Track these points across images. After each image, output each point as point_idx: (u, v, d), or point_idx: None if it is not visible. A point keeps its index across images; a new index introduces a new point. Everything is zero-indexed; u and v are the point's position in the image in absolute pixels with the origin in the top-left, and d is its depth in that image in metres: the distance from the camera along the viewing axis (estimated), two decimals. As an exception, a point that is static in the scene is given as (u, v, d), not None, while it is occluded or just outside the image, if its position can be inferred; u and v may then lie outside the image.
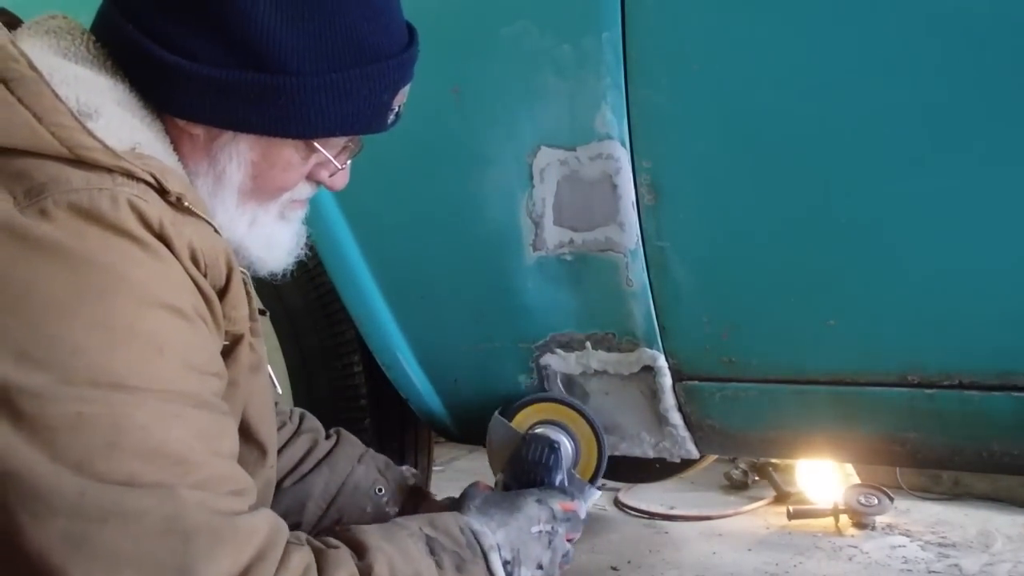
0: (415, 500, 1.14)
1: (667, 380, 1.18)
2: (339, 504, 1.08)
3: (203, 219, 0.76)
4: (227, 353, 0.79)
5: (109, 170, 0.68)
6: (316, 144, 0.82)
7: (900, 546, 1.64)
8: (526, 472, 1.11)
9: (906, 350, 1.04)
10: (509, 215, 1.15)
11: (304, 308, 1.44)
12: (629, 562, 1.59)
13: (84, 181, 0.66)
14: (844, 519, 1.77)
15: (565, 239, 1.14)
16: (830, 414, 1.14)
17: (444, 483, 2.23)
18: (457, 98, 1.14)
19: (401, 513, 1.11)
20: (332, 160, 0.85)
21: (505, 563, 0.89)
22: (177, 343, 0.68)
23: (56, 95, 0.67)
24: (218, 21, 0.74)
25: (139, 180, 0.69)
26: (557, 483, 1.09)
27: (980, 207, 0.94)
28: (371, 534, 0.79)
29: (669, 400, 1.20)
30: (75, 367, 0.63)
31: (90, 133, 0.67)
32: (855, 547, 1.64)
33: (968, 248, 0.96)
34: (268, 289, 1.46)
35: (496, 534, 0.90)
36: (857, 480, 1.87)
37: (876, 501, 1.75)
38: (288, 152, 0.81)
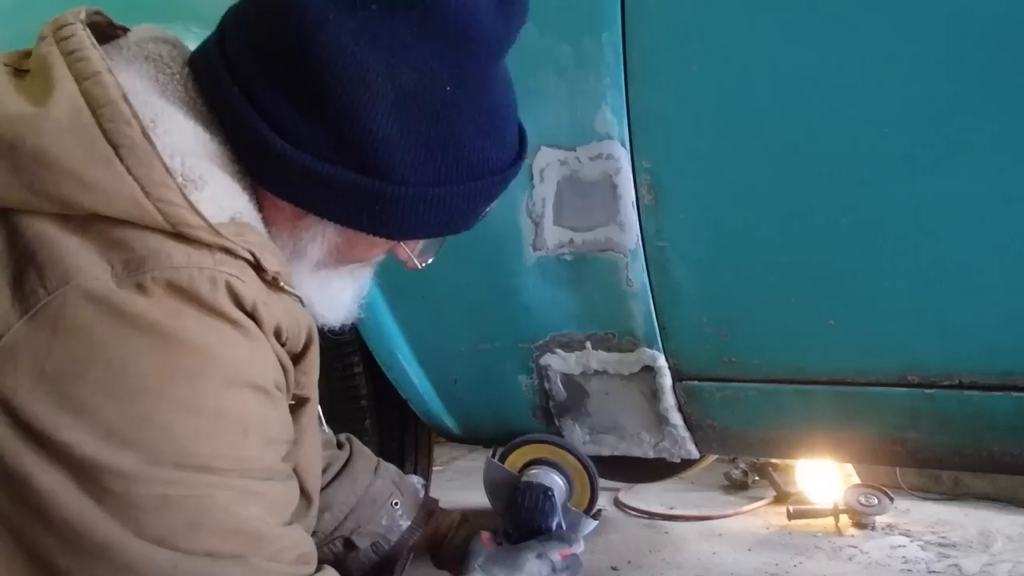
0: (425, 509, 1.17)
1: (667, 380, 1.18)
2: (356, 515, 1.10)
3: (293, 295, 0.76)
4: (291, 412, 0.79)
5: (210, 246, 0.67)
6: (402, 244, 0.83)
7: (900, 546, 1.64)
8: (524, 520, 1.16)
9: (906, 350, 1.04)
10: (509, 215, 1.15)
11: (304, 308, 1.44)
12: (629, 562, 1.59)
13: (185, 258, 0.66)
14: (844, 519, 1.77)
15: (565, 239, 1.14)
16: (830, 414, 1.14)
17: (444, 483, 2.23)
18: (457, 98, 1.14)
19: (413, 524, 1.15)
20: (413, 258, 0.86)
21: None
22: (260, 422, 0.69)
23: (165, 167, 0.65)
24: (333, 116, 0.71)
25: (238, 257, 0.69)
26: (554, 526, 1.14)
27: (980, 207, 0.94)
28: None
29: (669, 400, 1.20)
30: (162, 449, 0.63)
31: (195, 211, 0.66)
32: (855, 547, 1.64)
33: (968, 248, 0.96)
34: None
35: None
36: (857, 480, 1.87)
37: (876, 501, 1.74)
38: (373, 239, 0.80)
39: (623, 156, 1.06)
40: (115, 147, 0.64)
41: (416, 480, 1.21)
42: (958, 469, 1.72)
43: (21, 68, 0.72)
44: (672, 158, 1.05)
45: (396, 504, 1.13)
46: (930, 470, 2.00)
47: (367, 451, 1.18)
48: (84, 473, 0.62)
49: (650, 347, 1.16)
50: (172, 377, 0.64)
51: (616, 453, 1.29)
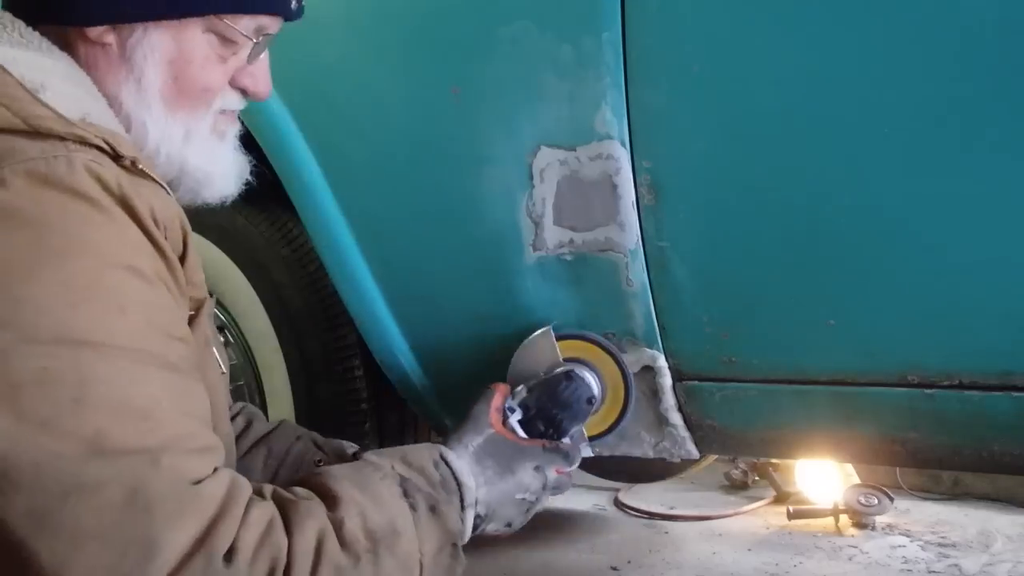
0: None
1: (667, 380, 1.18)
2: (280, 479, 1.06)
3: (157, 183, 0.77)
4: (190, 321, 0.79)
5: (62, 138, 0.69)
6: (224, 30, 0.82)
7: (900, 546, 1.64)
8: (553, 406, 1.05)
9: (906, 350, 1.04)
10: (509, 215, 1.15)
11: (306, 312, 1.44)
12: (629, 562, 1.59)
13: (39, 150, 0.68)
14: (844, 519, 1.77)
15: (565, 239, 1.14)
16: (830, 414, 1.14)
17: (444, 483, 2.23)
18: (457, 98, 1.14)
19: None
20: (245, 36, 0.85)
21: (476, 517, 0.88)
22: (139, 303, 0.69)
23: (4, 69, 0.69)
24: None
25: (92, 146, 0.70)
26: (571, 433, 1.05)
27: (980, 206, 0.94)
28: (341, 480, 0.77)
29: (669, 400, 1.20)
30: (38, 325, 0.63)
31: (42, 103, 0.69)
32: (855, 547, 1.64)
33: (968, 248, 0.96)
34: (270, 292, 1.47)
35: (479, 490, 0.88)
36: (857, 480, 1.87)
37: (876, 501, 1.75)
38: (201, 46, 0.82)
39: (623, 156, 1.06)
40: None
41: (347, 444, 1.15)
42: (958, 469, 1.72)
43: None
44: (672, 158, 1.05)
45: (320, 461, 1.08)
46: (930, 470, 2.00)
47: (294, 425, 1.15)
48: None
49: (650, 347, 1.16)
50: (41, 258, 0.65)
51: (616, 453, 1.29)
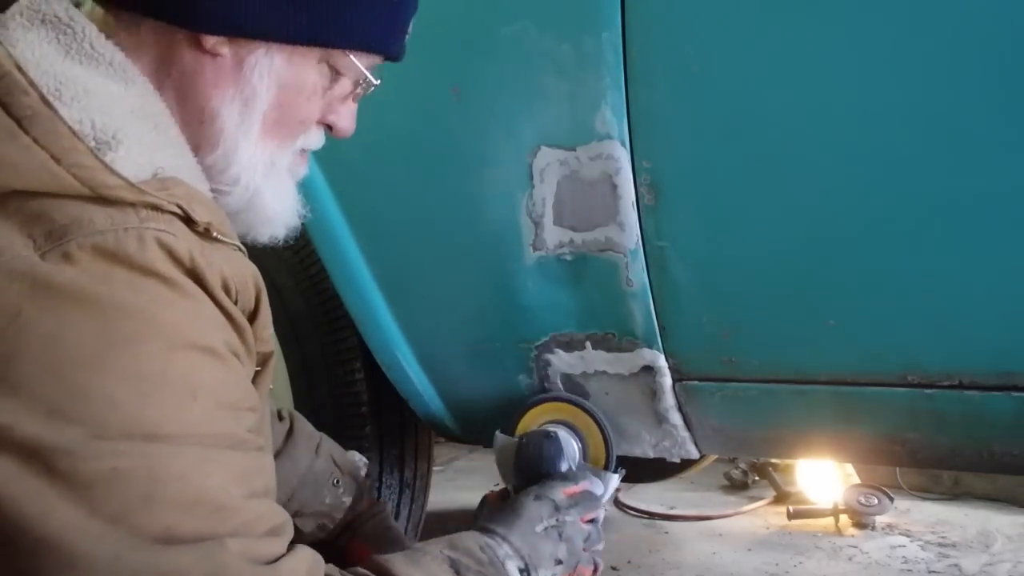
0: (361, 487, 1.16)
1: (667, 380, 1.18)
2: (299, 497, 1.09)
3: (231, 244, 0.74)
4: (255, 376, 0.77)
5: (133, 205, 0.65)
6: (339, 62, 0.80)
7: (900, 546, 1.64)
8: (529, 470, 1.09)
9: (906, 350, 1.04)
10: (509, 215, 1.15)
11: (306, 314, 1.44)
12: (629, 562, 1.59)
13: (108, 220, 0.63)
14: (844, 519, 1.77)
15: (565, 239, 1.14)
16: (830, 414, 1.14)
17: (444, 483, 2.23)
18: (457, 98, 1.14)
19: (354, 502, 1.13)
20: (368, 76, 0.83)
21: (521, 571, 0.88)
22: (210, 384, 0.66)
23: (73, 132, 0.63)
24: None
25: (165, 212, 0.67)
26: (563, 471, 1.07)
27: (980, 207, 0.94)
28: (398, 563, 0.78)
29: (669, 400, 1.20)
30: (108, 421, 0.60)
31: (112, 171, 0.64)
32: (855, 547, 1.64)
33: (968, 248, 0.96)
34: (271, 294, 1.46)
35: (502, 546, 0.89)
36: (857, 480, 1.87)
37: (876, 501, 1.75)
38: (312, 75, 0.79)
39: (623, 156, 1.06)
40: (17, 120, 0.62)
41: (358, 459, 1.19)
42: (958, 469, 1.72)
43: None
44: (672, 158, 1.05)
45: (338, 483, 1.11)
46: (930, 470, 2.00)
47: (308, 428, 1.15)
48: (29, 455, 0.59)
49: (650, 347, 1.16)
50: (109, 344, 0.61)
51: (616, 453, 1.29)
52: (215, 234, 0.71)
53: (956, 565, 1.54)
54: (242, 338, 0.73)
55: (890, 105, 0.94)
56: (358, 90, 0.84)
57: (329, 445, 1.15)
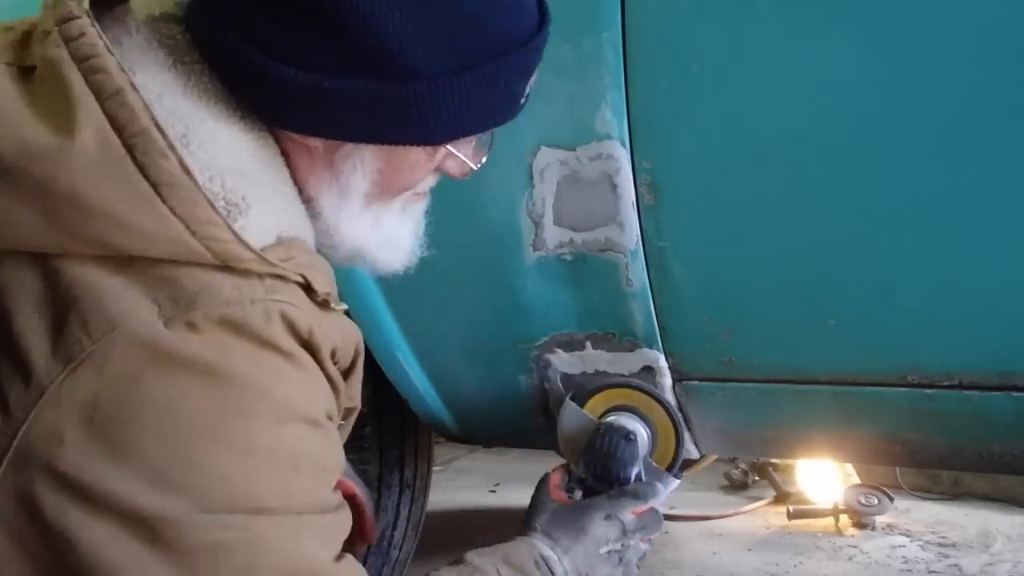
0: None
1: (667, 380, 1.18)
2: None
3: (341, 310, 0.74)
4: (341, 427, 0.77)
5: (260, 275, 0.64)
6: (447, 146, 0.76)
7: (900, 546, 1.64)
8: (600, 465, 1.04)
9: (906, 350, 1.04)
10: (509, 215, 1.15)
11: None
12: (629, 562, 1.59)
13: (236, 291, 0.62)
14: (844, 519, 1.77)
15: (565, 239, 1.14)
16: (830, 414, 1.14)
17: (444, 483, 2.23)
18: (457, 98, 1.14)
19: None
20: (466, 160, 0.79)
21: None
22: (312, 455, 0.67)
23: (210, 203, 0.61)
24: (331, 25, 0.64)
25: (289, 281, 0.66)
26: (632, 476, 1.03)
27: (980, 207, 0.94)
28: None
29: (669, 400, 1.20)
30: (215, 493, 0.60)
31: (245, 244, 0.62)
32: (855, 547, 1.64)
33: (968, 248, 0.96)
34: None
35: (563, 561, 0.87)
36: (857, 480, 1.87)
37: (876, 501, 1.75)
38: (415, 154, 0.75)
39: (623, 156, 1.06)
40: (155, 186, 0.59)
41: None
42: (958, 469, 1.72)
43: (24, 65, 0.65)
44: (672, 158, 1.05)
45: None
46: (930, 470, 2.00)
47: None
48: (135, 524, 0.58)
49: (650, 347, 1.16)
50: (224, 416, 0.61)
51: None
52: (333, 305, 0.71)
53: (956, 565, 1.54)
54: (338, 399, 0.73)
55: (890, 105, 0.94)
56: (479, 149, 0.81)
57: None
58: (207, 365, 0.60)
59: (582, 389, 1.19)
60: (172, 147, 0.60)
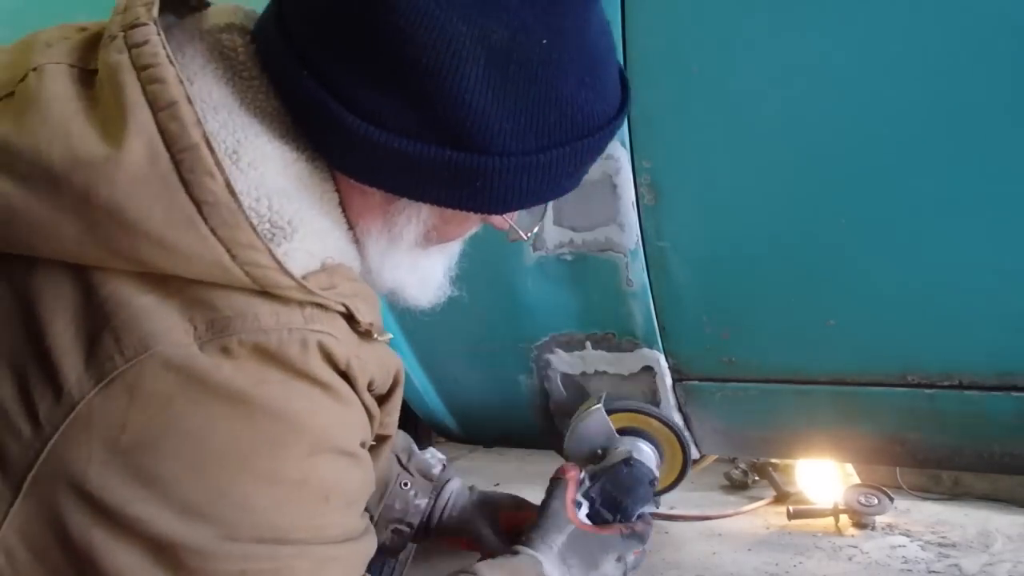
0: (436, 487, 1.10)
1: (667, 380, 1.18)
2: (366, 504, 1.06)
3: (384, 340, 0.73)
4: (371, 451, 0.76)
5: (300, 303, 0.62)
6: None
7: (900, 546, 1.63)
8: (617, 495, 1.05)
9: (906, 350, 1.04)
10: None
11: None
12: (629, 562, 1.59)
13: (274, 318, 0.61)
14: (844, 519, 1.76)
15: (565, 239, 1.14)
16: (830, 414, 1.14)
17: (444, 483, 2.22)
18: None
19: (434, 511, 1.08)
20: (517, 229, 0.79)
21: None
22: (343, 486, 0.66)
23: (252, 226, 0.59)
24: (418, 89, 0.62)
25: (330, 310, 0.65)
26: (637, 516, 1.06)
27: (980, 207, 0.94)
28: None
29: (669, 400, 1.20)
30: (241, 523, 0.60)
31: (285, 271, 0.60)
32: (855, 547, 1.63)
33: (968, 248, 0.96)
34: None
35: None
36: (857, 480, 1.86)
37: (876, 501, 1.74)
38: (471, 215, 0.74)
39: (623, 156, 1.06)
40: (197, 204, 0.57)
41: (430, 456, 1.13)
42: (958, 469, 1.71)
43: (88, 68, 0.63)
44: (672, 158, 1.05)
45: (407, 485, 1.07)
46: (930, 470, 2.00)
47: None
48: (159, 550, 0.58)
49: (650, 347, 1.16)
50: (254, 447, 0.60)
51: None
52: (376, 335, 0.70)
53: (956, 565, 1.54)
54: (373, 427, 0.73)
55: (889, 105, 0.94)
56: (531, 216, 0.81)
57: (400, 444, 1.10)
58: (239, 393, 0.59)
59: (608, 400, 1.19)
60: (220, 166, 0.58)
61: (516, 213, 0.79)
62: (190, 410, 0.58)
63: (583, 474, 1.05)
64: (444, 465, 1.13)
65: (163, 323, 0.58)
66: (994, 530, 1.72)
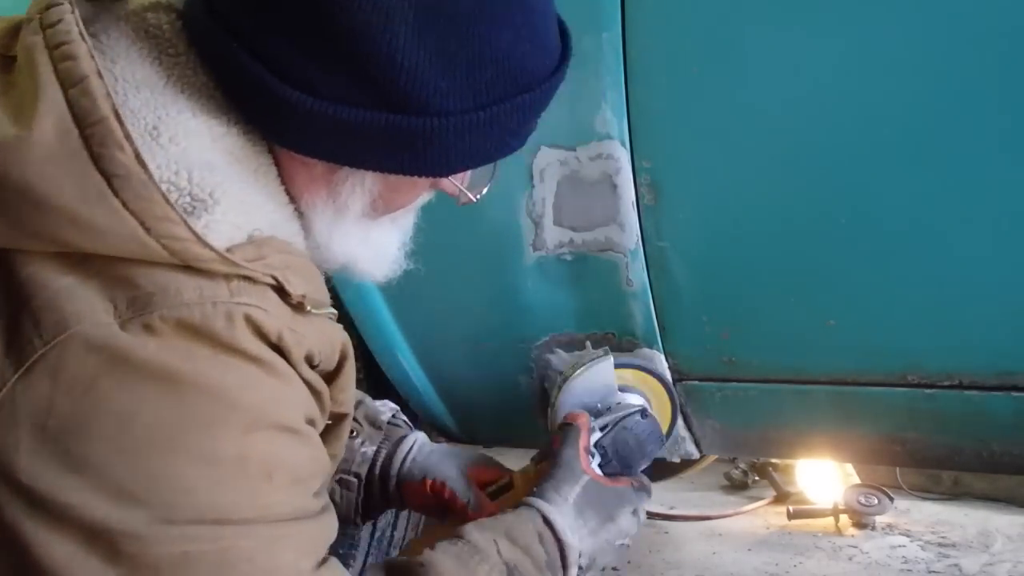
0: (394, 435, 1.04)
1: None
2: None
3: (323, 313, 0.71)
4: (328, 430, 0.74)
5: (226, 276, 0.60)
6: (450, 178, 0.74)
7: (900, 546, 1.64)
8: (627, 448, 0.99)
9: (906, 350, 1.04)
10: (509, 215, 1.15)
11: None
12: (629, 562, 1.59)
13: (197, 292, 0.59)
14: (844, 519, 1.77)
15: (565, 239, 1.14)
16: (830, 414, 1.14)
17: (444, 483, 2.22)
18: (457, 98, 1.14)
19: (394, 460, 1.01)
20: (465, 192, 0.77)
21: (579, 569, 0.83)
22: (286, 463, 0.63)
23: (165, 198, 0.57)
24: (348, 52, 0.61)
25: (259, 283, 0.63)
26: (641, 471, 1.01)
27: (980, 207, 0.94)
28: (447, 568, 0.73)
29: (674, 391, 1.20)
30: (178, 505, 0.57)
31: (205, 243, 0.59)
32: (855, 547, 1.64)
33: (968, 248, 0.96)
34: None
35: (583, 542, 0.83)
36: (857, 480, 1.87)
37: (876, 501, 1.74)
38: (417, 180, 0.72)
39: (623, 156, 1.06)
40: (107, 177, 0.56)
41: (381, 404, 1.08)
42: (958, 469, 1.72)
43: (8, 54, 0.63)
44: (672, 158, 1.05)
45: (353, 433, 1.01)
46: (930, 470, 2.00)
47: None
48: (94, 537, 0.56)
49: (650, 347, 1.16)
50: (186, 427, 0.58)
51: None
52: (309, 307, 0.67)
53: (956, 565, 1.54)
54: (320, 404, 0.70)
55: (890, 105, 0.94)
56: (478, 179, 0.79)
57: None
58: (165, 371, 0.58)
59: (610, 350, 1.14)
60: (129, 138, 0.57)
61: (464, 175, 0.77)
62: (115, 391, 0.57)
63: (594, 423, 0.99)
64: (395, 414, 1.08)
65: (83, 303, 0.57)
66: (994, 530, 1.72)
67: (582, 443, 0.91)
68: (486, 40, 0.64)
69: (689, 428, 1.23)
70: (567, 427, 0.94)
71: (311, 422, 0.68)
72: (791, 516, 1.79)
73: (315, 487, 0.68)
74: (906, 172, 0.95)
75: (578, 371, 1.09)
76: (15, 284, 0.58)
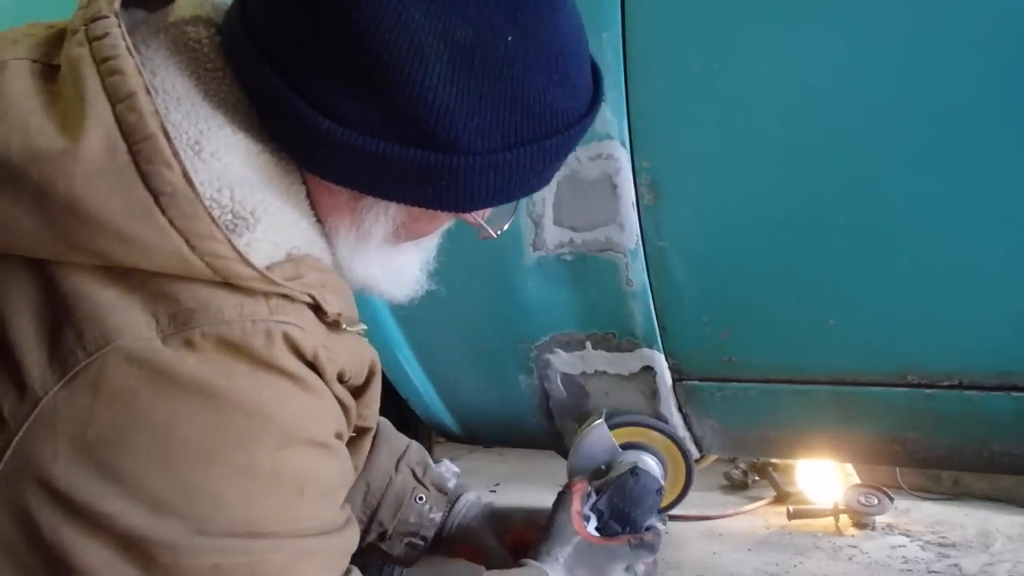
0: (450, 500, 1.10)
1: (667, 380, 1.18)
2: (380, 518, 1.05)
3: (355, 331, 0.72)
4: (351, 442, 0.75)
5: (265, 294, 0.62)
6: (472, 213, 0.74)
7: (900, 546, 1.64)
8: (625, 506, 1.06)
9: (906, 350, 1.04)
10: (509, 215, 1.15)
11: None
12: (629, 562, 1.59)
13: (237, 310, 0.60)
14: (844, 519, 1.76)
15: (565, 239, 1.14)
16: (830, 414, 1.14)
17: (444, 483, 2.22)
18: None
19: (446, 523, 1.07)
20: (486, 227, 0.78)
21: None
22: (317, 477, 0.65)
23: (211, 217, 0.58)
24: (382, 87, 0.62)
25: (296, 301, 0.64)
26: (646, 526, 1.05)
27: (980, 206, 0.94)
28: None
29: (669, 400, 1.20)
30: (213, 517, 0.59)
31: (247, 262, 0.60)
32: (855, 547, 1.63)
33: (968, 248, 0.96)
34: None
35: None
36: (857, 480, 1.86)
37: (876, 501, 1.74)
38: (440, 213, 0.73)
39: (623, 156, 1.06)
40: (155, 194, 0.57)
41: (445, 470, 1.13)
42: (958, 469, 1.71)
43: (52, 63, 0.63)
44: (672, 158, 1.05)
45: (422, 499, 1.06)
46: (930, 470, 2.00)
47: (393, 441, 1.09)
48: (129, 546, 0.57)
49: (650, 347, 1.16)
50: (223, 441, 0.59)
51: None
52: (344, 325, 0.69)
53: (956, 565, 1.54)
54: (348, 418, 0.72)
55: (889, 104, 0.94)
56: (501, 215, 0.79)
57: (415, 457, 1.09)
58: (205, 386, 0.59)
59: (610, 415, 1.19)
60: (177, 156, 0.57)
61: (486, 211, 0.78)
62: (155, 404, 0.58)
63: (590, 488, 1.05)
64: (456, 477, 1.13)
65: (125, 317, 0.58)
66: (994, 530, 1.72)
67: (574, 508, 0.99)
68: (518, 83, 0.64)
69: (689, 428, 1.23)
70: (562, 494, 1.03)
71: (339, 436, 0.70)
72: (791, 516, 1.79)
73: (341, 499, 0.70)
74: (906, 172, 0.95)
75: (576, 441, 1.16)
76: (58, 295, 0.58)
